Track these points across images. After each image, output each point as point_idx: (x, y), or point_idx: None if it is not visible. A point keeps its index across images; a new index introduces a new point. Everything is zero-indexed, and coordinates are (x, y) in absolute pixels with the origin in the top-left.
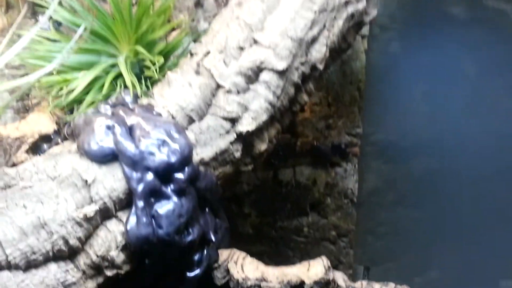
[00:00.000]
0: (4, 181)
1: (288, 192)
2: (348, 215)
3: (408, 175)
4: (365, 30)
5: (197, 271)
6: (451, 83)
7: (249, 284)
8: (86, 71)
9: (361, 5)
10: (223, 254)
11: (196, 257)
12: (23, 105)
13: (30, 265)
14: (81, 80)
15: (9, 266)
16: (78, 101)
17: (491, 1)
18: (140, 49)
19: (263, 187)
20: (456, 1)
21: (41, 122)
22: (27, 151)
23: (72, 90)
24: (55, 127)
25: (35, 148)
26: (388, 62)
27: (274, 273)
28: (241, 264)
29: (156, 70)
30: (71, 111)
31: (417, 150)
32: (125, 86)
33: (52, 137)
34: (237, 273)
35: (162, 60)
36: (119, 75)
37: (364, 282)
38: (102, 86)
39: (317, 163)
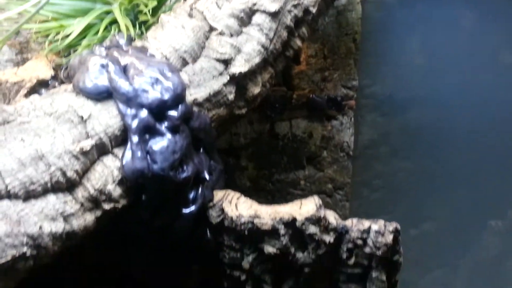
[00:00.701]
0: (2, 117)
1: (284, 145)
2: (344, 168)
3: (403, 128)
4: None
5: (193, 208)
6: (448, 35)
7: (242, 221)
8: (81, 18)
9: None
10: (218, 194)
11: (191, 195)
12: (22, 59)
13: (29, 195)
14: (77, 25)
15: (9, 195)
16: (74, 46)
17: None
18: None
19: (259, 140)
20: None
21: (38, 68)
22: (25, 95)
23: (68, 35)
24: (52, 72)
25: (33, 93)
26: (384, 13)
27: (267, 211)
28: (235, 203)
29: (149, 12)
30: (67, 56)
31: (412, 103)
32: (120, 31)
33: (49, 82)
34: (231, 211)
35: (155, 2)
36: (114, 21)
37: (355, 220)
38: (97, 31)
39: (313, 116)
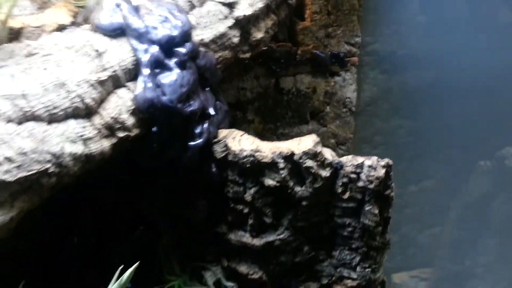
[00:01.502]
0: (27, 50)
1: (289, 100)
2: (346, 123)
3: (404, 86)
4: None
5: (199, 141)
6: None
7: (244, 155)
8: None
9: None
10: (223, 132)
11: (198, 129)
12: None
13: (52, 119)
14: None
15: (34, 117)
16: None
17: None
18: None
19: (265, 94)
20: None
21: (58, 15)
22: None
23: None
24: (71, 19)
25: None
26: None
27: (268, 146)
28: (239, 140)
29: None
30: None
31: (413, 61)
32: None
33: (68, 27)
34: (234, 146)
35: None
36: None
37: (349, 156)
38: None
39: (316, 72)
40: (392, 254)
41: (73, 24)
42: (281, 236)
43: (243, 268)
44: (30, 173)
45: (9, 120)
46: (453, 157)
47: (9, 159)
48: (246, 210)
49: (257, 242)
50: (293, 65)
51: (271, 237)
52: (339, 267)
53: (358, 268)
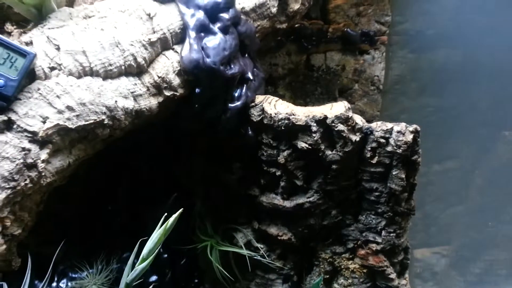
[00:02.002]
0: (85, 12)
1: (319, 77)
2: (374, 101)
3: (431, 65)
4: None
5: (237, 103)
6: None
7: (280, 117)
8: None
9: None
10: (259, 97)
11: (237, 92)
12: None
13: (107, 75)
14: None
15: (92, 72)
16: None
17: None
18: None
19: (296, 71)
20: None
21: None
22: None
23: None
24: None
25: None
26: None
27: (302, 110)
28: (274, 104)
29: None
30: None
31: (441, 40)
32: None
33: None
34: (270, 109)
35: None
36: None
37: (379, 122)
38: None
39: (346, 49)
40: (415, 231)
41: None
42: (311, 199)
43: (273, 230)
44: (88, 122)
45: (70, 73)
46: (479, 136)
47: (70, 108)
48: (278, 173)
49: (288, 204)
50: (324, 43)
51: (301, 199)
52: (365, 232)
53: (383, 233)
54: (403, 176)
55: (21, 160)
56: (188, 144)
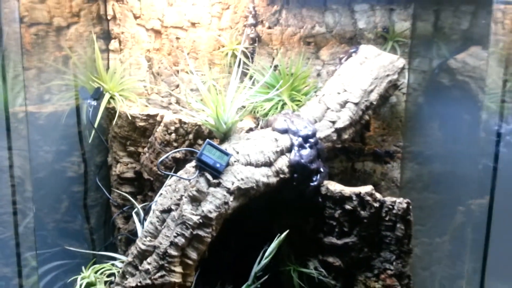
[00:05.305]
0: (246, 137)
1: (359, 176)
2: (394, 193)
3: (429, 172)
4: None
5: (315, 183)
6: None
7: (336, 192)
8: (268, 102)
9: (395, 76)
10: (325, 181)
11: (314, 178)
12: None
13: (257, 165)
14: (267, 105)
15: (251, 164)
16: (266, 114)
17: None
18: (294, 93)
19: (345, 172)
20: None
21: (247, 123)
22: (246, 132)
23: (264, 109)
24: (254, 124)
25: (249, 132)
26: (416, 107)
27: (348, 188)
28: (333, 185)
29: (301, 100)
30: (264, 118)
31: (435, 158)
32: (286, 107)
33: (253, 128)
34: (331, 187)
35: (305, 97)
36: (284, 103)
37: (389, 197)
38: (277, 107)
39: (376, 161)
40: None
41: (256, 127)
42: (353, 240)
43: (330, 259)
44: (248, 186)
45: (242, 164)
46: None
47: (242, 179)
48: (334, 223)
49: (339, 242)
50: (362, 156)
51: (347, 240)
52: (384, 263)
53: (394, 263)
54: (403, 227)
55: (223, 200)
56: (281, 206)
